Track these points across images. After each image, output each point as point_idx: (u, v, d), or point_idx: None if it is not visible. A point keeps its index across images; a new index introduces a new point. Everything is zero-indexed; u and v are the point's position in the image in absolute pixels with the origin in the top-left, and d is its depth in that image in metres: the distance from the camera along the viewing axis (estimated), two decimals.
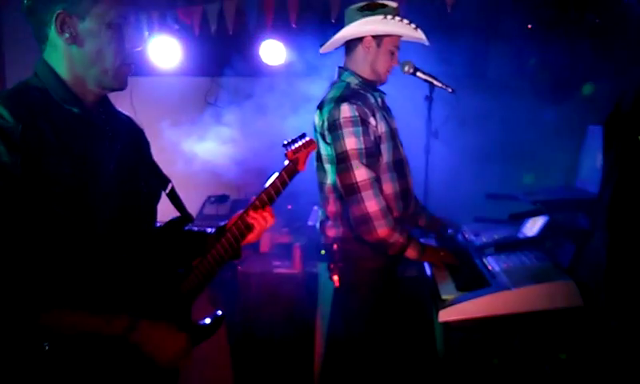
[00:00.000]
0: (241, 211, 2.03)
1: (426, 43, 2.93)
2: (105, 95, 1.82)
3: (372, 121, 2.76)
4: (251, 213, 2.00)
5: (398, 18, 2.82)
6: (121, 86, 1.77)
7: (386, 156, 2.82)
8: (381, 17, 2.81)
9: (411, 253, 2.78)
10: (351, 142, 2.70)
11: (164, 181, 2.02)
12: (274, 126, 3.98)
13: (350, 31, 2.86)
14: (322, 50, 3.03)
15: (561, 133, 4.23)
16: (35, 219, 1.55)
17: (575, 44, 4.24)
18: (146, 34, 4.76)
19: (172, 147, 5.10)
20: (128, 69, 1.77)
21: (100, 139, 1.74)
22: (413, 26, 2.84)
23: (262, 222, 2.01)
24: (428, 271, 2.98)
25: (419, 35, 2.88)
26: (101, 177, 1.71)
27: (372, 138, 2.75)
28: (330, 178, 2.86)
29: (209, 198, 5.78)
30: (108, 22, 1.68)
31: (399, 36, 2.89)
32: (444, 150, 3.28)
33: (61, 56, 1.68)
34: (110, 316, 1.67)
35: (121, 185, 1.77)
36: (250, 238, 2.03)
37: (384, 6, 2.84)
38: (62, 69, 1.69)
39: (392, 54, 2.90)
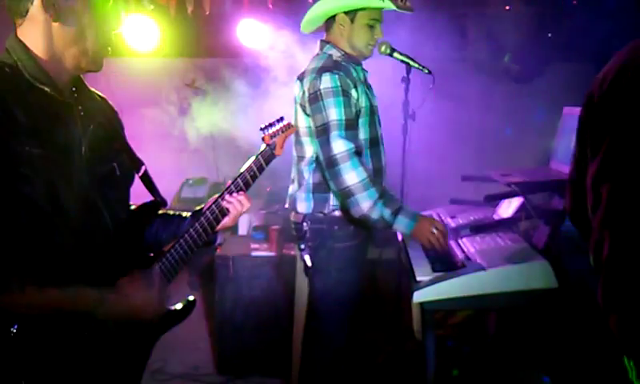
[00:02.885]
0: (216, 195, 2.02)
1: (410, 12, 2.82)
2: (78, 76, 1.79)
3: (353, 93, 2.69)
4: (226, 197, 1.99)
5: None
6: (97, 69, 1.76)
7: (362, 132, 2.76)
8: None
9: (399, 227, 2.66)
10: (331, 113, 2.63)
11: (137, 163, 1.98)
12: (253, 108, 3.95)
13: (319, 9, 2.80)
14: (302, 29, 2.97)
15: (536, 114, 4.26)
16: (3, 200, 1.52)
17: (552, 25, 4.26)
18: (123, 15, 4.72)
19: (149, 129, 5.07)
20: (105, 51, 1.75)
21: (71, 120, 1.71)
22: None
23: (238, 207, 1.99)
24: (405, 253, 2.99)
25: (390, 6, 2.73)
26: (72, 158, 1.68)
27: (353, 109, 2.69)
28: (308, 151, 2.81)
29: (187, 180, 5.77)
30: (92, 3, 1.67)
31: (377, 8, 2.77)
32: (421, 131, 3.27)
33: (39, 33, 1.65)
34: (78, 290, 1.65)
35: (92, 166, 1.74)
36: (226, 222, 2.01)
37: None
38: (39, 46, 1.65)
39: (370, 27, 2.80)
